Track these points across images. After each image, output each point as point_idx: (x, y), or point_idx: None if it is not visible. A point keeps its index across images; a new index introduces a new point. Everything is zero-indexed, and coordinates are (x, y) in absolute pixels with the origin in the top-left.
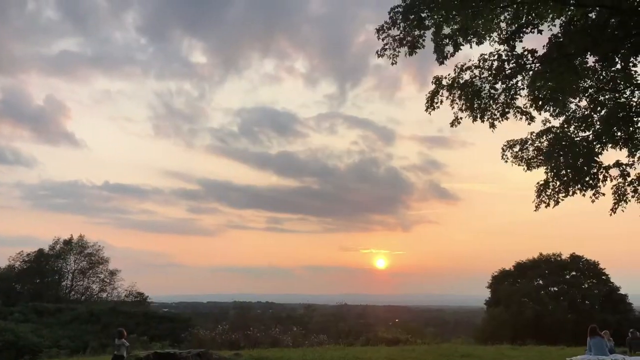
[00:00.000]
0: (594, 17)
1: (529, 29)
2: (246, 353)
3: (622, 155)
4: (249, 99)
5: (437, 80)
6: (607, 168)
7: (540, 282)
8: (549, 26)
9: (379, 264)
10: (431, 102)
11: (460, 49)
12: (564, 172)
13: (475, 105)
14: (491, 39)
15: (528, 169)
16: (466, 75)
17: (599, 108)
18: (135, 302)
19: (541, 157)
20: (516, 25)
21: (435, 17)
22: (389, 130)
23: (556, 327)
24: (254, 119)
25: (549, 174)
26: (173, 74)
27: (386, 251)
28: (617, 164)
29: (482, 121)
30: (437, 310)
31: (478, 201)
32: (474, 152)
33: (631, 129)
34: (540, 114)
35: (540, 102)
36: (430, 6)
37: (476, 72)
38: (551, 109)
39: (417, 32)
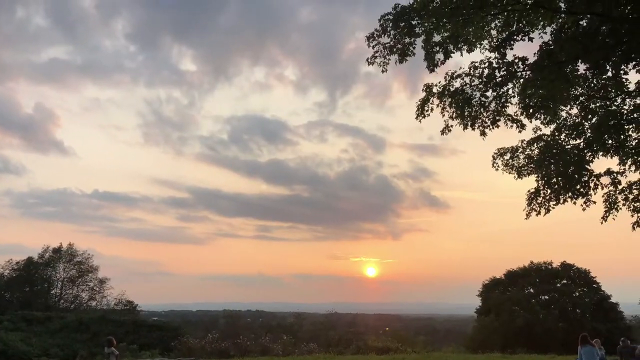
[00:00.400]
0: (584, 24)
1: (520, 36)
2: None
3: (613, 163)
4: (239, 107)
5: (428, 88)
6: (598, 176)
7: (531, 290)
8: (539, 34)
9: (369, 273)
10: (421, 110)
11: (451, 57)
12: (554, 180)
13: (465, 113)
14: (482, 46)
15: (519, 177)
16: (457, 83)
17: (589, 116)
18: (124, 310)
19: (532, 165)
20: (507, 32)
21: (426, 24)
22: (379, 138)
23: (547, 335)
24: (243, 126)
25: (540, 182)
26: (162, 82)
27: (376, 259)
28: (608, 172)
29: (473, 129)
30: (428, 319)
31: (468, 209)
32: (464, 160)
33: (622, 136)
34: (531, 121)
35: (531, 110)
36: (421, 14)
37: (467, 79)
38: (542, 116)
39: (407, 40)
